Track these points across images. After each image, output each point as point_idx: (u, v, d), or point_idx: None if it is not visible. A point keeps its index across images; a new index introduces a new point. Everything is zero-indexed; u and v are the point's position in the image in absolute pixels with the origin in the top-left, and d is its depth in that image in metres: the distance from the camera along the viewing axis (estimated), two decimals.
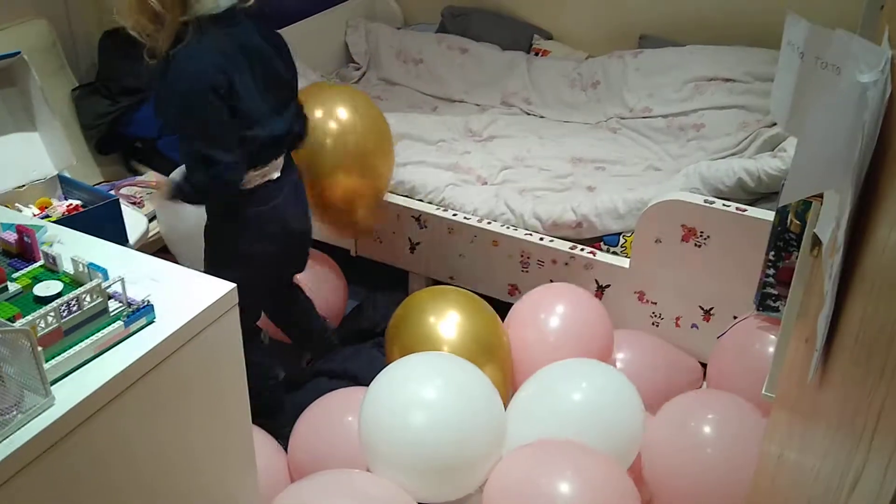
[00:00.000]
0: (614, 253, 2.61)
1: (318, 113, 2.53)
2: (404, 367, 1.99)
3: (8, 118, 2.51)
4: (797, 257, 2.00)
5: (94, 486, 1.25)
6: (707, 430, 1.95)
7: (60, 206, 2.32)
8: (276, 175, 2.10)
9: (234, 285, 1.44)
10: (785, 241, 1.99)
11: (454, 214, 2.79)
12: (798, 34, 1.15)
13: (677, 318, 2.55)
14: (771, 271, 2.03)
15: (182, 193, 2.05)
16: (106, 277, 1.35)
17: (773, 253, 2.01)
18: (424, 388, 1.89)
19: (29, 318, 1.20)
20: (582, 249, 2.62)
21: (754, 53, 3.19)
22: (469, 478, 1.91)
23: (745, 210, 2.32)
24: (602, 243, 2.62)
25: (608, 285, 2.61)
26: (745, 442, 1.90)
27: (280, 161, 2.11)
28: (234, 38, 1.91)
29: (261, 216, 2.10)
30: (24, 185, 2.48)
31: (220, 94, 1.87)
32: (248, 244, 2.14)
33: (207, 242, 2.19)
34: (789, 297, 1.50)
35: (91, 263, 1.36)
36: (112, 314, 1.31)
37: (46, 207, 2.35)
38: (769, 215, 2.25)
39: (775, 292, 2.03)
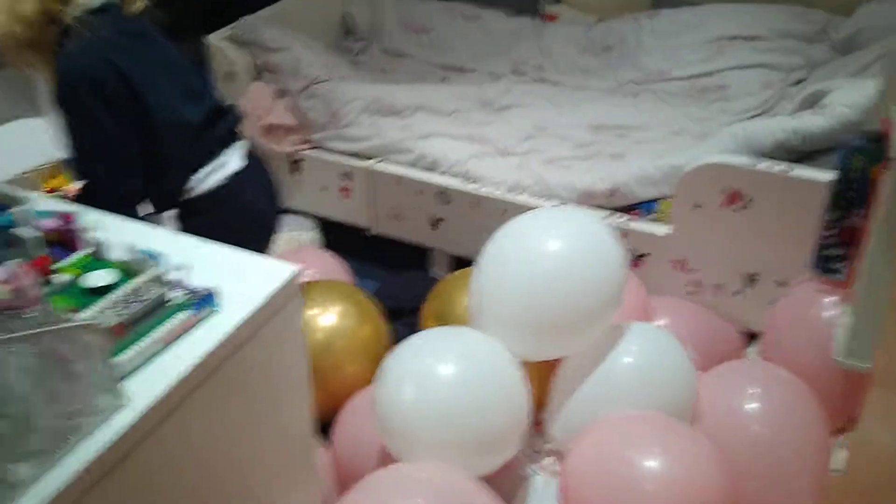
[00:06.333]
0: (651, 220, 2.51)
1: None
2: (418, 340, 1.86)
3: (11, 103, 2.39)
4: (858, 215, 1.92)
5: (168, 490, 1.14)
6: (753, 404, 1.86)
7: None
8: (238, 165, 1.95)
9: (296, 267, 1.33)
10: (847, 200, 1.90)
11: (480, 187, 2.69)
12: None
13: (719, 286, 2.47)
14: (833, 230, 1.94)
15: None
16: (160, 264, 1.23)
17: (835, 212, 1.93)
18: (440, 362, 1.75)
19: (90, 311, 1.09)
20: (620, 217, 2.52)
21: (776, 9, 3.10)
22: (495, 452, 1.80)
23: (791, 170, 2.23)
24: (638, 210, 2.53)
25: (646, 253, 2.52)
26: (793, 418, 1.84)
27: (233, 150, 1.95)
28: (120, 26, 1.75)
29: (236, 212, 1.96)
30: (28, 172, 2.37)
31: (104, 92, 1.69)
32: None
33: None
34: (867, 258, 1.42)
35: (144, 250, 1.24)
36: (175, 304, 1.19)
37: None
38: (817, 175, 2.17)
39: (839, 252, 1.95)
